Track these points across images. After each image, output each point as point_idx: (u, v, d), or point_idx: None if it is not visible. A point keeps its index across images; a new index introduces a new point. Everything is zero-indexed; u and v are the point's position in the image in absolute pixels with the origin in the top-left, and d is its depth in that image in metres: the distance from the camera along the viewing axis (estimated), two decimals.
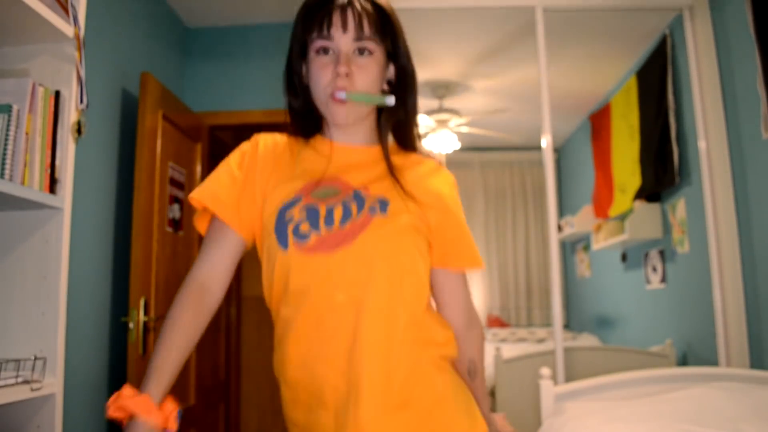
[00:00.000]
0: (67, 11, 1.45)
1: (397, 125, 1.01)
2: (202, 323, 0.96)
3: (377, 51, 0.95)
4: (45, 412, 1.36)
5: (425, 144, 4.17)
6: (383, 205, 0.92)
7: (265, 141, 1.05)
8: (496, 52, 3.39)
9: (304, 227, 0.90)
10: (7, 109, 1.31)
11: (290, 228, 0.90)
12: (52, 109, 1.42)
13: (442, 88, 3.85)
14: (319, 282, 0.88)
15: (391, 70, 1.01)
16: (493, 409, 3.19)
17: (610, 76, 3.69)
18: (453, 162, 4.64)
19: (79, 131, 1.48)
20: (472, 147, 4.73)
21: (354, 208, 0.91)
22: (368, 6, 0.95)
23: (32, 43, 1.47)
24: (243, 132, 5.09)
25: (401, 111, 1.00)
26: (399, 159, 1.00)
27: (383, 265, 0.89)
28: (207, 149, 3.18)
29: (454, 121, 4.03)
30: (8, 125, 1.31)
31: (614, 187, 3.68)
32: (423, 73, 3.68)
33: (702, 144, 2.64)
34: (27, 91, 1.35)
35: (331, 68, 0.92)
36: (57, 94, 1.43)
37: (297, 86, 1.01)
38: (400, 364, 0.88)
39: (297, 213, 0.91)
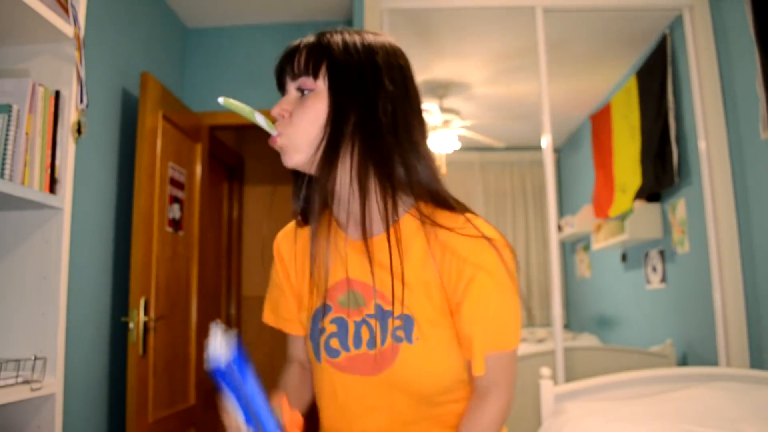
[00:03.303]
0: (67, 11, 1.45)
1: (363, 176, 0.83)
2: (307, 393, 1.01)
3: (317, 86, 0.83)
4: (45, 412, 1.36)
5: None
6: (408, 325, 0.83)
7: (285, 239, 1.01)
8: (496, 52, 3.39)
9: (334, 343, 0.88)
10: (7, 109, 1.31)
11: (322, 341, 0.89)
12: (52, 109, 1.42)
13: (442, 88, 3.85)
14: (350, 399, 0.89)
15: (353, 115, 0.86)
16: None
17: (610, 76, 3.69)
18: (453, 162, 4.64)
19: (79, 131, 1.48)
20: (472, 147, 4.72)
21: (377, 329, 0.85)
22: (309, 41, 0.85)
23: (32, 43, 1.47)
24: (243, 132, 5.09)
25: (365, 162, 0.82)
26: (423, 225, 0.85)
27: (407, 405, 0.86)
28: (207, 149, 3.18)
29: (454, 121, 4.03)
30: (8, 125, 1.31)
31: (615, 187, 3.67)
32: (423, 74, 3.68)
33: (702, 144, 2.64)
34: (27, 91, 1.35)
35: None
36: (57, 94, 1.43)
37: None
38: None
39: (329, 325, 0.89)
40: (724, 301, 2.53)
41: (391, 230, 0.83)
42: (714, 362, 2.56)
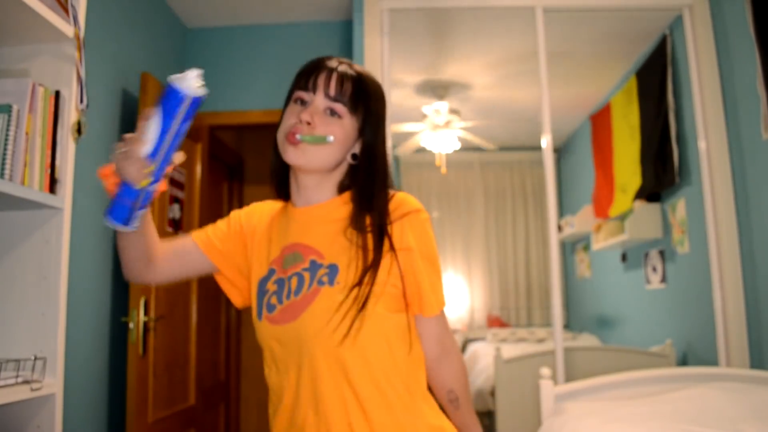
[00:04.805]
0: (67, 11, 1.45)
1: (362, 190, 1.01)
2: (152, 242, 1.03)
3: (347, 118, 0.99)
4: (45, 412, 1.36)
5: (425, 144, 4.17)
6: (332, 272, 0.95)
7: (260, 209, 1.14)
8: (496, 53, 3.39)
9: (273, 300, 0.99)
10: (7, 109, 1.31)
11: (264, 300, 1.00)
12: (52, 109, 1.42)
13: (442, 88, 3.85)
14: (281, 350, 0.96)
15: (358, 146, 1.03)
16: (494, 409, 3.19)
17: (610, 76, 3.69)
18: (453, 162, 4.64)
19: (79, 131, 1.48)
20: (472, 147, 4.72)
21: (307, 277, 0.96)
22: (353, 75, 1.01)
23: (32, 43, 1.46)
24: (243, 132, 5.07)
25: (365, 177, 1.02)
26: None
27: (323, 343, 0.92)
28: (207, 149, 3.18)
29: (454, 121, 4.03)
30: (8, 125, 1.31)
31: (615, 187, 3.68)
32: (423, 74, 3.68)
33: (702, 144, 2.64)
34: (27, 91, 1.35)
35: (297, 115, 0.98)
36: (57, 94, 1.43)
37: None
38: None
39: (271, 285, 1.01)
40: (724, 301, 2.53)
41: (340, 198, 1.03)
42: (714, 362, 2.56)
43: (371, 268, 0.94)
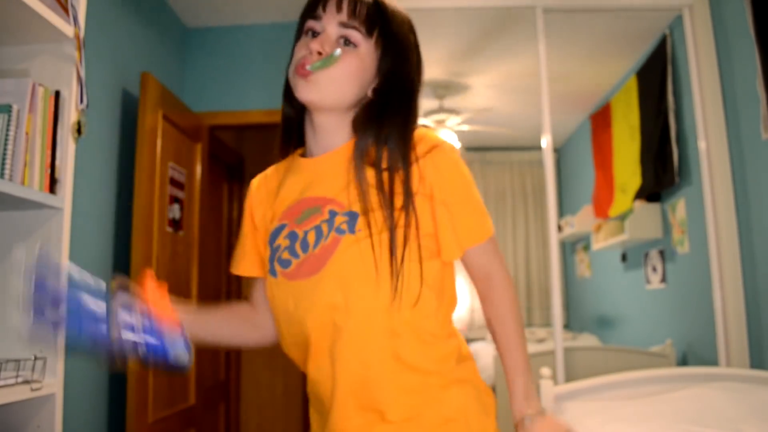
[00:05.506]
0: (67, 11, 1.45)
1: (378, 121, 0.92)
2: (242, 328, 1.10)
3: (363, 45, 0.90)
4: (45, 412, 1.36)
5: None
6: (352, 219, 0.88)
7: (257, 183, 1.09)
8: (496, 53, 3.39)
9: (286, 254, 0.92)
10: (7, 109, 1.31)
11: (276, 256, 0.94)
12: (52, 109, 1.42)
13: (442, 88, 3.85)
14: (300, 305, 0.90)
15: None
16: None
17: (610, 76, 3.69)
18: None
19: (79, 131, 1.49)
20: (472, 147, 4.72)
21: (325, 228, 0.89)
22: None
23: (32, 43, 1.47)
24: (243, 132, 5.06)
25: (379, 110, 0.92)
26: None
27: (352, 292, 0.86)
28: (207, 149, 3.18)
29: (454, 121, 4.03)
30: (8, 125, 1.31)
31: (615, 187, 3.68)
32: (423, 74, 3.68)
33: (702, 144, 2.64)
34: (27, 91, 1.35)
35: (307, 46, 0.90)
36: (57, 94, 1.43)
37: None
38: (383, 384, 0.87)
39: (282, 240, 0.94)
40: (724, 301, 2.52)
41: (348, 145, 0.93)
42: (714, 362, 2.56)
43: (392, 212, 0.86)
